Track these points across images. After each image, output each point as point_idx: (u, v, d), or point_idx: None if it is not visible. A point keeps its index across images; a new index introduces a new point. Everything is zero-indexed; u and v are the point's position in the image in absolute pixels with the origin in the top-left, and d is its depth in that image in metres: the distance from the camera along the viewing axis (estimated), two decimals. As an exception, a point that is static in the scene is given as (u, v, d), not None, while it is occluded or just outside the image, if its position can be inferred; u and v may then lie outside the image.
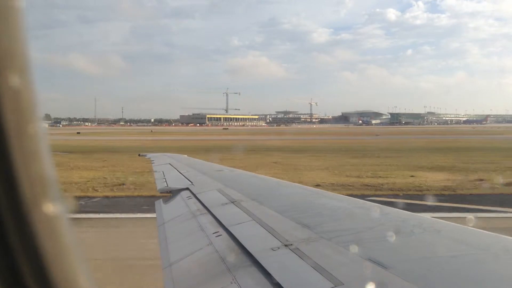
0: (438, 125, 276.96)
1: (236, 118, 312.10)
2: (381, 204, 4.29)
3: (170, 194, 6.23)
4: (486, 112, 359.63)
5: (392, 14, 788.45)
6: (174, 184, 6.69)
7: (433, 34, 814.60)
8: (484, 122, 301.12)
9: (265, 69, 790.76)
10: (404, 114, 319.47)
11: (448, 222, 3.44)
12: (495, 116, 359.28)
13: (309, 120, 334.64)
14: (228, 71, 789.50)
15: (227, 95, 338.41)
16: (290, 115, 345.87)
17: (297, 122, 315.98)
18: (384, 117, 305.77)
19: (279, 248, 2.92)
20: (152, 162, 10.34)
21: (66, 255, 0.86)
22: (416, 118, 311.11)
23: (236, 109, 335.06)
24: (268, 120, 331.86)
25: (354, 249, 2.71)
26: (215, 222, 4.08)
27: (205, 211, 4.64)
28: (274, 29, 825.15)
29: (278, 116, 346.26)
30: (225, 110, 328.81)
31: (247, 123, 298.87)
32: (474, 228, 3.16)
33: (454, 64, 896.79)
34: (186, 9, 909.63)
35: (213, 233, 3.73)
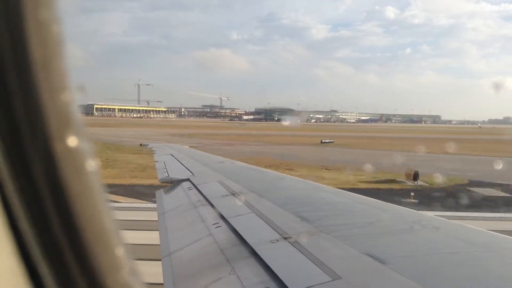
0: (307, 122, 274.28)
1: (135, 109, 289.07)
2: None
3: (171, 184, 6.27)
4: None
5: (391, 12, 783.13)
6: (175, 175, 6.72)
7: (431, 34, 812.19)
8: (372, 122, 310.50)
9: (229, 63, 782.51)
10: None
11: (446, 219, 3.46)
12: (401, 115, 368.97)
13: (222, 113, 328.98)
14: (195, 65, 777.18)
15: (138, 86, 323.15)
16: (217, 110, 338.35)
17: (209, 116, 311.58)
18: (289, 113, 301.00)
19: (278, 240, 2.94)
20: (154, 152, 10.38)
21: (89, 189, 0.87)
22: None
23: (158, 101, 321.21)
24: (181, 113, 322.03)
25: (352, 243, 2.73)
26: (215, 213, 4.11)
27: (206, 202, 4.67)
28: (273, 24, 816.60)
29: (206, 110, 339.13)
30: (146, 101, 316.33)
31: (140, 115, 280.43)
32: (472, 226, 3.18)
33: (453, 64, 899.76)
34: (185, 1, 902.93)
35: (213, 224, 3.76)
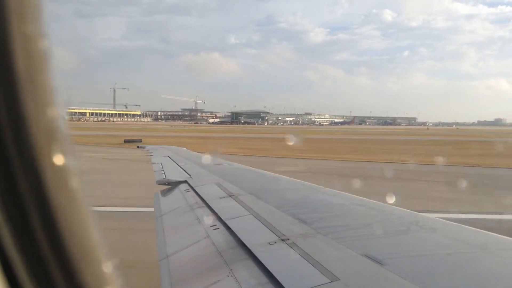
0: (271, 125, 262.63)
1: (108, 113, 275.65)
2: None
3: (169, 186, 6.26)
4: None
5: (388, 15, 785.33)
6: (172, 177, 6.70)
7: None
8: (345, 124, 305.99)
9: (220, 67, 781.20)
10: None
11: (444, 220, 3.47)
12: (376, 117, 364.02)
13: (199, 117, 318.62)
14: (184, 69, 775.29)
15: (114, 90, 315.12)
16: (195, 113, 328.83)
17: (185, 120, 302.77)
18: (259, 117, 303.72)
19: (276, 242, 2.93)
20: (151, 154, 10.36)
21: (74, 206, 0.86)
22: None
23: (136, 105, 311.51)
24: (157, 117, 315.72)
25: (350, 245, 2.72)
26: (213, 215, 4.09)
27: (203, 204, 4.65)
28: (271, 28, 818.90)
29: (185, 113, 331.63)
30: (124, 105, 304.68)
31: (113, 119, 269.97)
32: (469, 227, 3.19)
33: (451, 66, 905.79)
34: (183, 5, 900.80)
35: (211, 226, 3.74)
